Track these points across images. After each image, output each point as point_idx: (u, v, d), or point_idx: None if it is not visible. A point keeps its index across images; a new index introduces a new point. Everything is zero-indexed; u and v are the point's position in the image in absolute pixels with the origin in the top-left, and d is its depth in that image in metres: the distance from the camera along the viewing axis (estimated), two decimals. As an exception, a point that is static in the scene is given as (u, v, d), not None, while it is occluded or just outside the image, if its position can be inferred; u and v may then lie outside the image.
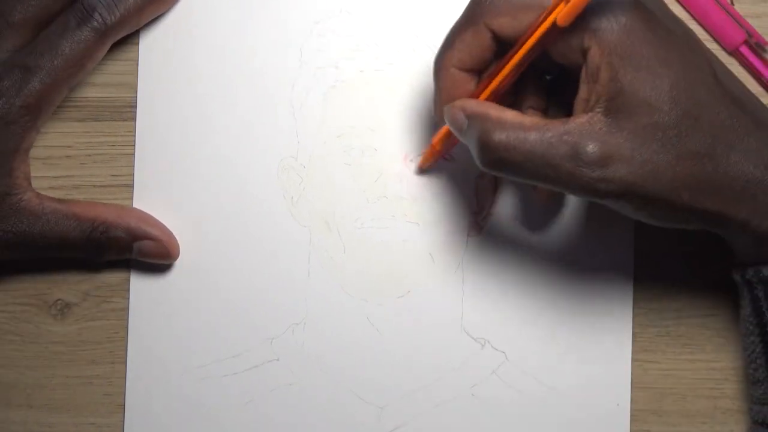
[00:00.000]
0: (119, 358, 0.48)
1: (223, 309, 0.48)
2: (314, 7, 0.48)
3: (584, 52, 0.39)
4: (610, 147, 0.37)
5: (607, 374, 0.48)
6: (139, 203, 0.48)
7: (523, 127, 0.38)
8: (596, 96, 0.38)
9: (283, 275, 0.48)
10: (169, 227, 0.47)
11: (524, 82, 0.42)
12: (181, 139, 0.48)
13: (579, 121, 0.38)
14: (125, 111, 0.48)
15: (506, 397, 0.48)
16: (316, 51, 0.48)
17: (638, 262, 0.48)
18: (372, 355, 0.48)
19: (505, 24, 0.40)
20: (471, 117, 0.40)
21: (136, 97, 0.48)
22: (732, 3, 0.48)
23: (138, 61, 0.48)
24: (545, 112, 0.43)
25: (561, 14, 0.38)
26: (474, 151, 0.40)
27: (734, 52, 0.48)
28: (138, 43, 0.48)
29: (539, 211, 0.48)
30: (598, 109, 0.38)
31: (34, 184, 0.47)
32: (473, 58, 0.41)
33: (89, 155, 0.48)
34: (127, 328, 0.48)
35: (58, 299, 0.48)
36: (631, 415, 0.48)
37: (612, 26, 0.38)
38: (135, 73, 0.48)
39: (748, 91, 0.42)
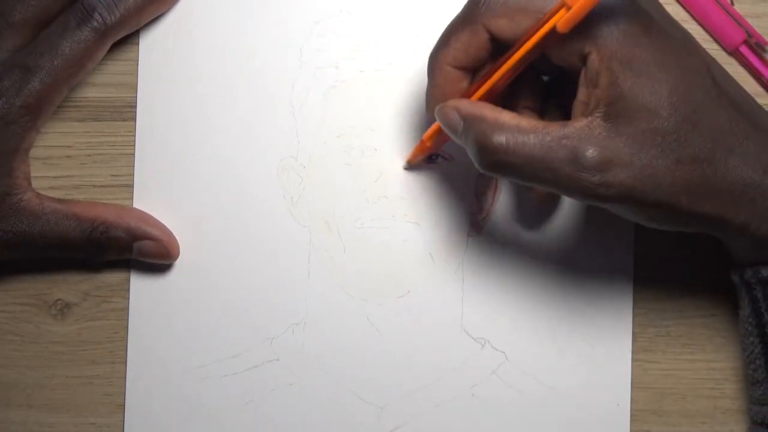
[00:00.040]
0: (119, 358, 0.48)
1: (223, 309, 0.48)
2: (314, 7, 0.48)
3: (583, 57, 0.39)
4: (610, 152, 0.37)
5: (607, 374, 0.48)
6: (139, 203, 0.48)
7: (521, 130, 0.38)
8: (596, 100, 0.38)
9: (283, 275, 0.48)
10: (169, 227, 0.47)
11: (520, 83, 0.42)
12: (181, 139, 0.48)
13: (578, 125, 0.38)
14: (125, 111, 0.48)
15: (506, 397, 0.48)
16: (316, 51, 0.48)
17: (638, 263, 0.48)
18: (372, 355, 0.48)
19: (503, 25, 0.40)
20: (466, 118, 0.40)
21: (136, 97, 0.48)
22: (732, 3, 0.48)
23: (138, 61, 0.48)
24: (540, 114, 0.43)
25: (562, 21, 0.37)
26: (471, 153, 0.40)
27: (734, 52, 0.48)
28: (138, 43, 0.48)
29: (539, 211, 0.48)
30: (597, 114, 0.38)
31: (34, 184, 0.47)
32: (469, 57, 0.41)
33: (89, 155, 0.48)
34: (127, 328, 0.48)
35: (58, 299, 0.48)
36: (631, 415, 0.48)
37: (612, 32, 0.38)
38: (135, 73, 0.48)
39: (747, 94, 0.42)
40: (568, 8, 0.37)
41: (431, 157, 0.48)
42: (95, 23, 0.44)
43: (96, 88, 0.48)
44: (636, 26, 0.38)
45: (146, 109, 0.48)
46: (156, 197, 0.48)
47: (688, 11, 0.48)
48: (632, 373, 0.48)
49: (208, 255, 0.48)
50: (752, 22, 0.48)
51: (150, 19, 0.47)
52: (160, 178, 0.48)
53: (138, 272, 0.48)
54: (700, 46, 0.41)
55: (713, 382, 0.48)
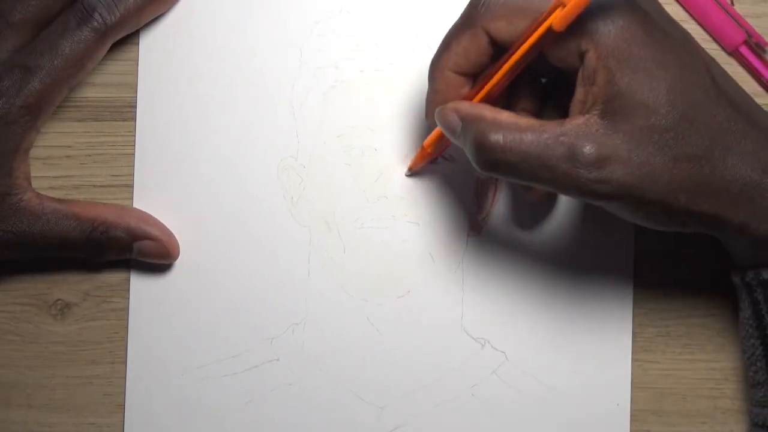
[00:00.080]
0: (119, 358, 0.48)
1: (223, 309, 0.48)
2: (314, 7, 0.48)
3: (581, 55, 0.39)
4: (607, 148, 0.37)
5: (607, 374, 0.48)
6: (139, 203, 0.48)
7: (519, 128, 0.38)
8: (593, 98, 0.38)
9: (283, 275, 0.48)
10: (169, 227, 0.47)
11: (518, 85, 0.42)
12: (181, 139, 0.48)
13: (576, 122, 0.38)
14: (125, 111, 0.48)
15: (506, 397, 0.48)
16: (316, 51, 0.48)
17: (638, 263, 0.48)
18: (372, 355, 0.48)
19: (502, 28, 0.39)
20: (465, 119, 0.40)
21: (136, 97, 0.48)
22: (732, 3, 0.48)
23: (138, 61, 0.48)
24: (539, 115, 0.43)
25: (557, 19, 0.37)
26: (469, 153, 0.40)
27: (734, 52, 0.48)
28: (138, 43, 0.48)
29: (539, 212, 0.48)
30: (594, 111, 0.38)
31: (34, 184, 0.47)
32: (470, 62, 0.41)
33: (89, 155, 0.48)
34: (127, 328, 0.48)
35: (58, 299, 0.48)
36: (631, 415, 0.48)
37: (609, 29, 0.38)
38: (135, 73, 0.48)
39: (745, 93, 0.42)
40: (564, 6, 0.37)
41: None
42: (95, 23, 0.44)
43: (96, 88, 0.48)
44: (633, 24, 0.38)
45: (146, 109, 0.48)
46: (156, 197, 0.48)
47: (688, 11, 0.48)
48: (632, 373, 0.48)
49: (208, 255, 0.48)
50: (752, 22, 0.48)
51: (150, 19, 0.47)
52: (160, 178, 0.48)
53: (138, 272, 0.48)
54: (700, 46, 0.41)
55: (713, 382, 0.48)
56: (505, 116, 0.39)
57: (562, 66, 0.40)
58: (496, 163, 0.39)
